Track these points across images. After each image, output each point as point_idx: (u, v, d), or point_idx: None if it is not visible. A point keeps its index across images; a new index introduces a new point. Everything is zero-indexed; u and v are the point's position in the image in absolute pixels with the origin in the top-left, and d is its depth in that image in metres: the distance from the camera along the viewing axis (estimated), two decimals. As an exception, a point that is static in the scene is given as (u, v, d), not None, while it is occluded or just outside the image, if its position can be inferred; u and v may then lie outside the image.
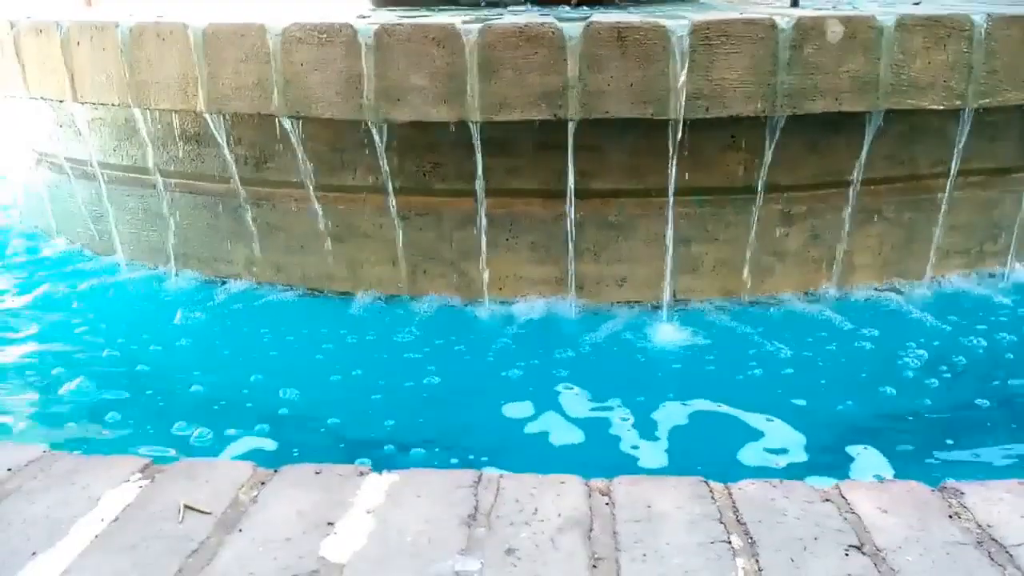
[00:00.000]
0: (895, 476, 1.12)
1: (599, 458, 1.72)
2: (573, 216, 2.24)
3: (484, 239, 2.29)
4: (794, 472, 1.64)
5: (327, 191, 2.37)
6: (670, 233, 2.24)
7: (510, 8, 2.75)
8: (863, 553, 0.97)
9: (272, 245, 2.50)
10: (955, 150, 2.25)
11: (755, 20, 2.00)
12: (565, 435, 1.79)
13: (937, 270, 2.49)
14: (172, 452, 1.71)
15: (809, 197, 2.33)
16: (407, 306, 2.38)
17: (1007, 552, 0.97)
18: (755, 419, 1.83)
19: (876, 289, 2.44)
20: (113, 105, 2.36)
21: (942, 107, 2.12)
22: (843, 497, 1.08)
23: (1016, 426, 1.83)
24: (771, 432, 1.78)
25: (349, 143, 2.25)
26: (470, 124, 2.07)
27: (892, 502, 1.07)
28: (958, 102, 2.12)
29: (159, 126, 2.47)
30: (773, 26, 1.99)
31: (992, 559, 0.96)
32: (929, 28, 2.06)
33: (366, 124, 2.13)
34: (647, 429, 1.80)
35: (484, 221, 2.27)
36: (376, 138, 2.16)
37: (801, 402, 1.91)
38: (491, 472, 1.14)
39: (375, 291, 2.44)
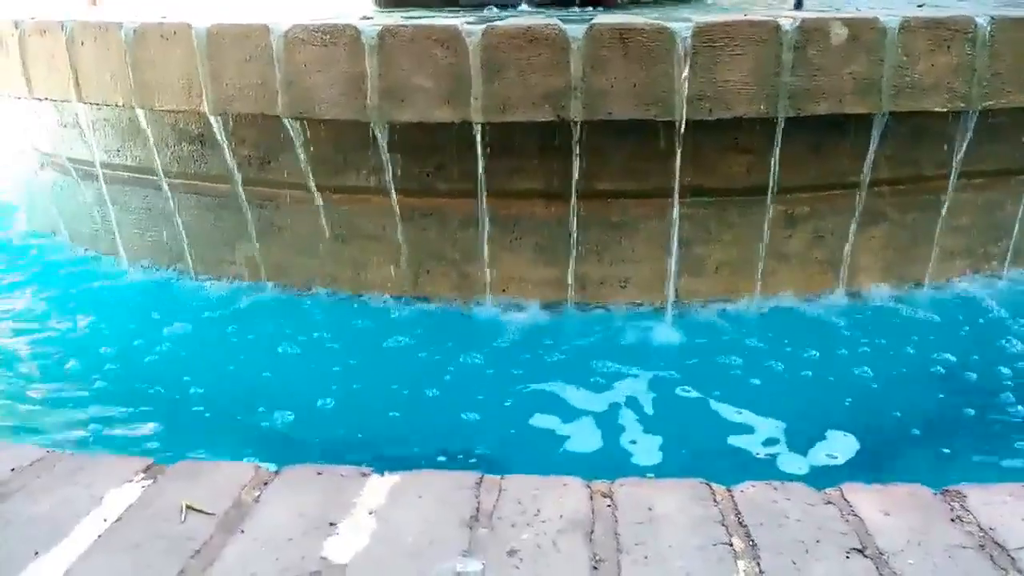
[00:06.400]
0: (897, 479, 1.12)
1: (601, 460, 1.72)
2: (576, 217, 2.24)
3: (487, 240, 2.30)
4: (796, 474, 1.65)
5: (331, 192, 2.37)
6: (674, 234, 2.24)
7: (512, 10, 2.75)
8: (865, 556, 0.97)
9: (276, 246, 2.50)
10: (958, 152, 2.25)
11: (758, 22, 2.00)
12: (567, 436, 1.79)
13: (941, 272, 2.49)
14: (174, 452, 1.71)
15: (812, 199, 2.32)
16: (411, 307, 2.38)
17: (1009, 555, 0.97)
18: (758, 420, 1.83)
19: (879, 291, 2.44)
20: (117, 106, 2.37)
21: (946, 109, 2.12)
22: (845, 499, 1.08)
23: (1019, 429, 1.83)
24: (773, 433, 1.78)
25: (352, 144, 2.25)
26: (473, 125, 2.07)
27: (894, 505, 1.07)
28: (961, 104, 2.12)
29: (164, 126, 2.47)
30: (777, 28, 1.98)
31: (994, 562, 0.96)
32: (932, 30, 2.05)
33: (370, 125, 2.14)
34: (649, 431, 1.80)
35: (487, 222, 2.28)
36: (379, 139, 2.16)
37: (804, 404, 1.91)
38: (493, 474, 1.14)
39: (379, 292, 2.44)
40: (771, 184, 2.21)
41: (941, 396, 1.95)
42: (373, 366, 2.10)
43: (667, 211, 2.22)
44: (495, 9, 2.74)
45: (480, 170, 2.17)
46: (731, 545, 0.99)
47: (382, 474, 1.14)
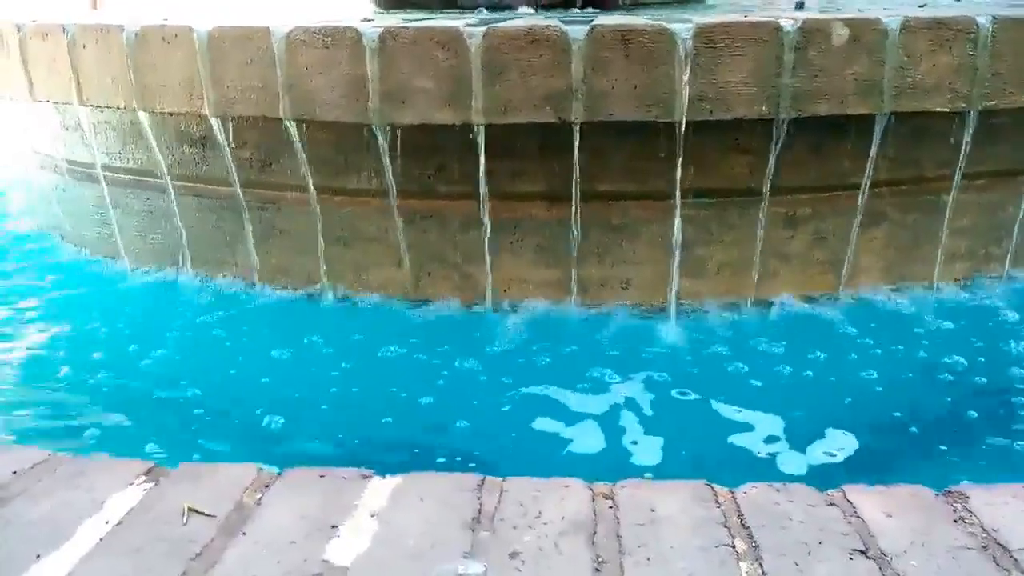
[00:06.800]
0: (899, 480, 1.12)
1: (603, 461, 1.72)
2: (578, 219, 2.24)
3: (488, 242, 2.29)
4: (798, 475, 1.64)
5: (332, 194, 2.37)
6: (675, 236, 2.24)
7: (513, 11, 2.75)
8: (868, 557, 0.97)
9: (277, 248, 2.50)
10: (964, 152, 2.24)
11: (759, 23, 2.00)
12: (569, 438, 1.79)
13: (942, 273, 2.48)
14: (176, 455, 1.71)
15: (813, 200, 2.32)
16: (412, 309, 2.38)
17: (1012, 556, 0.97)
18: (759, 422, 1.83)
19: (881, 291, 2.44)
20: (119, 108, 2.37)
21: (947, 110, 2.12)
22: (848, 501, 1.08)
23: (1021, 429, 1.83)
24: (775, 435, 1.78)
25: (353, 146, 2.25)
26: (474, 127, 2.07)
27: (897, 506, 1.07)
28: (963, 104, 2.12)
29: (165, 129, 2.47)
30: (777, 29, 1.98)
31: (997, 563, 0.96)
32: (934, 31, 2.05)
33: (370, 127, 2.14)
34: (651, 432, 1.80)
35: (488, 224, 2.27)
36: (380, 141, 2.16)
37: (805, 405, 1.91)
38: (494, 476, 1.14)
39: (380, 294, 2.44)
40: (771, 185, 2.21)
41: (943, 396, 1.94)
42: (374, 368, 2.10)
43: (668, 212, 2.22)
44: (484, 11, 2.74)
45: (481, 172, 2.17)
46: (733, 546, 0.99)
47: (383, 476, 1.14)
